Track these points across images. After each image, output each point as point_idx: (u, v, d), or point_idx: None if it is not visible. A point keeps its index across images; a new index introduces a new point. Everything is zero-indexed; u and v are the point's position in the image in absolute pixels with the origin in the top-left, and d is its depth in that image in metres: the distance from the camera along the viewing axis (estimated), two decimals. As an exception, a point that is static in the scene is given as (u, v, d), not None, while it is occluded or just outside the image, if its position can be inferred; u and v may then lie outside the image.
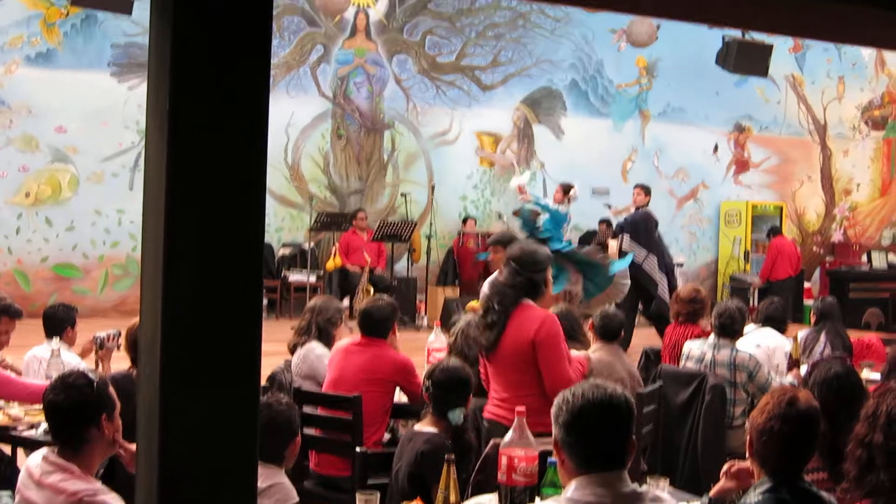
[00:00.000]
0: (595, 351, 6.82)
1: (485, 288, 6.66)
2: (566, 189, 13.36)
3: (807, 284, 19.20)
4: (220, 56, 1.66)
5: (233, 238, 1.67)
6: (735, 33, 12.79)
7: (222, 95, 1.67)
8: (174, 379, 1.63)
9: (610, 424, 3.17)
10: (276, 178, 16.48)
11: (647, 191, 13.94)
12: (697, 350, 7.50)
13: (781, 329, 8.47)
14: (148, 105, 1.72)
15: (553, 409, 3.27)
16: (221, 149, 1.67)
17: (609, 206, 18.13)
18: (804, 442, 3.58)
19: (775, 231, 18.52)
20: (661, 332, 11.40)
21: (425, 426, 4.87)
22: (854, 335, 9.70)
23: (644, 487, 3.30)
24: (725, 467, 4.09)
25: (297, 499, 4.26)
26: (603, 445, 3.16)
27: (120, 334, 6.47)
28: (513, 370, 5.44)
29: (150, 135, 1.71)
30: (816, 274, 21.15)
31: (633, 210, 13.96)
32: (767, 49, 13.41)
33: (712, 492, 4.04)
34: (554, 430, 3.24)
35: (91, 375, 3.90)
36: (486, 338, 5.51)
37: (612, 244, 13.25)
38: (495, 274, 6.61)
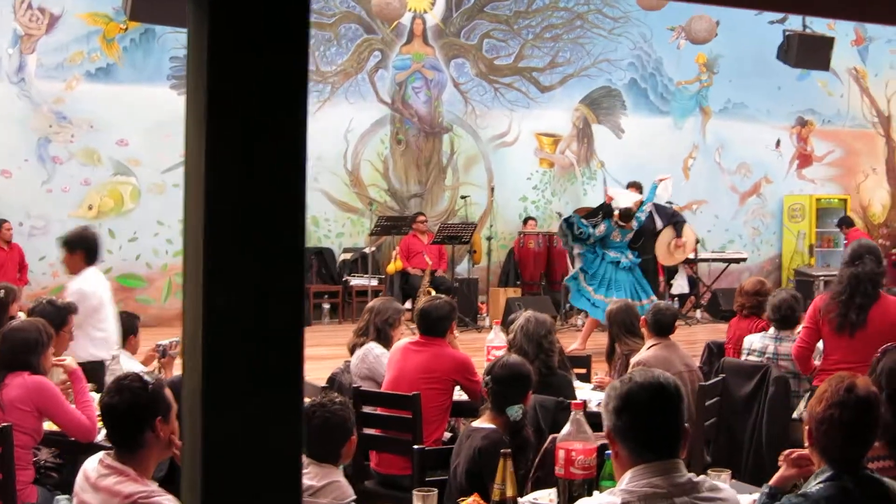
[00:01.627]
0: (650, 347, 6.78)
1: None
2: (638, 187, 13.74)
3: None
4: (258, 57, 1.67)
5: (273, 240, 1.68)
6: (796, 27, 12.71)
7: (260, 99, 1.69)
8: (216, 379, 1.65)
9: (659, 407, 3.14)
10: (335, 183, 16.58)
11: (639, 187, 14.26)
12: (759, 343, 7.44)
13: None
14: (187, 111, 1.74)
15: (603, 400, 3.27)
16: (260, 152, 1.68)
17: (671, 203, 18.01)
18: (865, 428, 3.53)
19: (848, 223, 18.34)
20: None
21: (484, 422, 4.85)
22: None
23: (701, 477, 3.26)
24: (784, 455, 4.04)
25: (353, 496, 4.28)
26: (655, 429, 3.13)
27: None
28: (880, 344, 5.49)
29: (188, 141, 1.73)
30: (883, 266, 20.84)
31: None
32: (829, 42, 13.31)
33: (773, 480, 3.98)
34: (605, 420, 3.22)
35: (146, 378, 3.92)
36: (853, 316, 6.57)
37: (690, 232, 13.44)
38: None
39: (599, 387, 6.78)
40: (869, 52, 21.29)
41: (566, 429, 4.12)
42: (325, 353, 10.33)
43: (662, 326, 6.85)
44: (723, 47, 19.49)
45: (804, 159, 20.92)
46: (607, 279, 12.77)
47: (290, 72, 1.68)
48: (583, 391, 6.63)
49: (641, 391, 3.14)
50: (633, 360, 6.53)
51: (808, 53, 13.15)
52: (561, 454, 4.04)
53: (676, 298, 16.95)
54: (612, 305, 7.65)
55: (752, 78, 19.51)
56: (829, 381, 3.64)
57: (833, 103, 21.07)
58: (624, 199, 13.40)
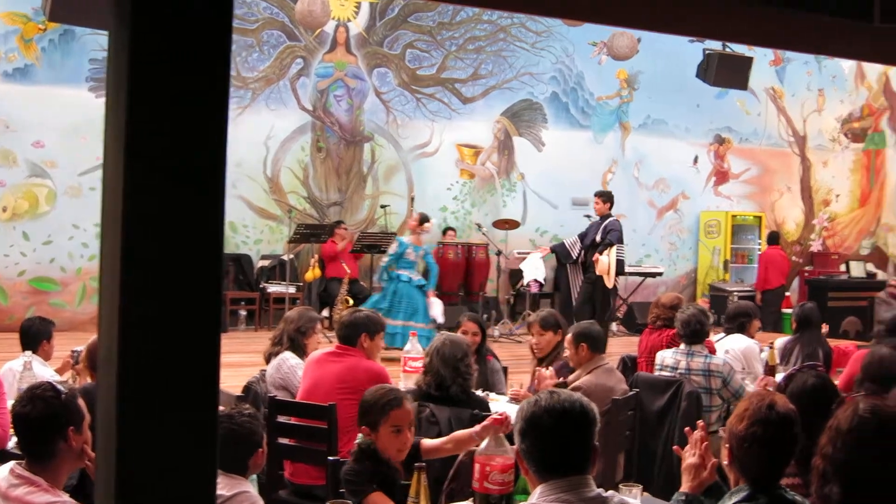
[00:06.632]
0: (590, 370, 6.82)
1: None
2: (422, 220, 13.49)
3: (787, 293, 19.27)
4: (179, 63, 1.65)
5: (191, 250, 1.66)
6: (716, 46, 12.86)
7: (181, 105, 1.67)
8: (131, 392, 1.62)
9: (563, 430, 3.16)
10: (255, 190, 16.48)
11: (605, 198, 13.94)
12: (671, 359, 7.52)
13: (745, 326, 8.52)
14: (107, 115, 1.72)
15: (514, 420, 3.28)
16: (180, 160, 1.66)
17: (589, 217, 18.13)
18: (785, 445, 3.56)
19: (772, 240, 18.65)
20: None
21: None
22: (832, 343, 9.74)
23: (610, 492, 3.29)
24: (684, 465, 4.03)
25: (264, 506, 4.25)
26: (559, 452, 3.15)
27: (96, 349, 6.42)
28: None
29: (107, 145, 1.70)
30: (795, 283, 21.26)
31: (597, 219, 13.95)
32: (748, 62, 13.49)
33: (687, 486, 3.98)
34: (515, 439, 3.25)
35: (60, 387, 3.87)
36: None
37: (604, 259, 13.26)
38: None
39: (515, 399, 6.79)
40: (786, 72, 21.67)
41: (485, 443, 4.14)
42: (241, 361, 10.26)
43: (600, 343, 6.89)
44: (644, 64, 19.71)
45: (721, 176, 21.21)
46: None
47: (212, 77, 1.66)
48: (498, 403, 6.65)
49: (545, 415, 3.16)
50: (571, 386, 6.52)
51: (726, 72, 13.31)
52: (477, 468, 4.05)
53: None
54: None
55: (672, 95, 19.76)
56: (749, 400, 3.68)
57: (750, 122, 21.40)
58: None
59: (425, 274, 13.33)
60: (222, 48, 1.67)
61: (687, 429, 4.19)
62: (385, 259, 13.25)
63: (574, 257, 13.95)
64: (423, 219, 13.42)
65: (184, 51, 1.61)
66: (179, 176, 1.60)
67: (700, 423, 4.13)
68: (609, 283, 13.34)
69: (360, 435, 4.66)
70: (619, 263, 13.36)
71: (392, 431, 4.59)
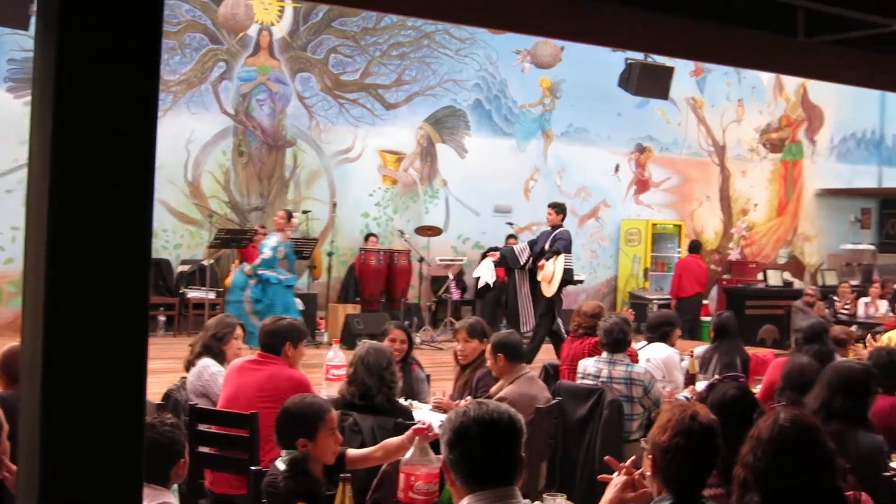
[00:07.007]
0: (513, 380, 6.81)
1: None
2: (289, 216, 13.91)
3: (705, 302, 19.48)
4: (107, 68, 1.61)
5: (118, 257, 1.61)
6: (638, 56, 12.95)
7: (109, 109, 1.62)
8: (55, 401, 1.57)
9: (491, 441, 3.15)
10: (175, 194, 16.31)
11: (558, 209, 14.00)
12: (593, 367, 7.54)
13: (668, 335, 8.58)
14: (32, 118, 1.67)
15: (441, 430, 3.26)
16: (107, 164, 1.62)
17: (511, 224, 18.20)
18: (708, 456, 3.57)
19: (693, 248, 18.83)
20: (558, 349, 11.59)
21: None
22: (749, 351, 9.85)
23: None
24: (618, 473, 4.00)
25: (186, 517, 4.19)
26: (486, 463, 3.13)
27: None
28: None
29: (33, 147, 1.65)
30: (714, 291, 21.51)
31: (548, 229, 13.97)
32: (668, 72, 13.60)
33: (606, 501, 3.95)
34: (441, 450, 3.22)
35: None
36: None
37: (549, 266, 13.32)
38: None
39: (438, 407, 6.77)
40: (707, 82, 21.94)
41: (410, 453, 4.11)
42: (161, 367, 10.12)
43: (518, 353, 6.88)
44: (566, 72, 19.85)
45: (641, 185, 21.40)
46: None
47: (141, 77, 1.62)
48: (421, 412, 6.62)
49: (473, 425, 3.14)
50: (496, 396, 6.50)
51: (648, 82, 13.40)
52: (402, 478, 4.03)
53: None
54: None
55: (594, 103, 19.89)
56: (671, 411, 3.68)
57: (671, 131, 21.63)
58: None
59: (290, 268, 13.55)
60: (152, 48, 1.64)
61: (608, 458, 4.15)
62: (263, 258, 13.27)
63: (521, 263, 13.98)
64: (290, 215, 13.85)
65: (112, 51, 1.57)
66: (108, 175, 1.56)
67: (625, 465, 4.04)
68: (547, 291, 13.39)
69: (284, 451, 4.61)
70: (567, 272, 13.42)
71: (330, 434, 4.58)
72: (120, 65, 1.63)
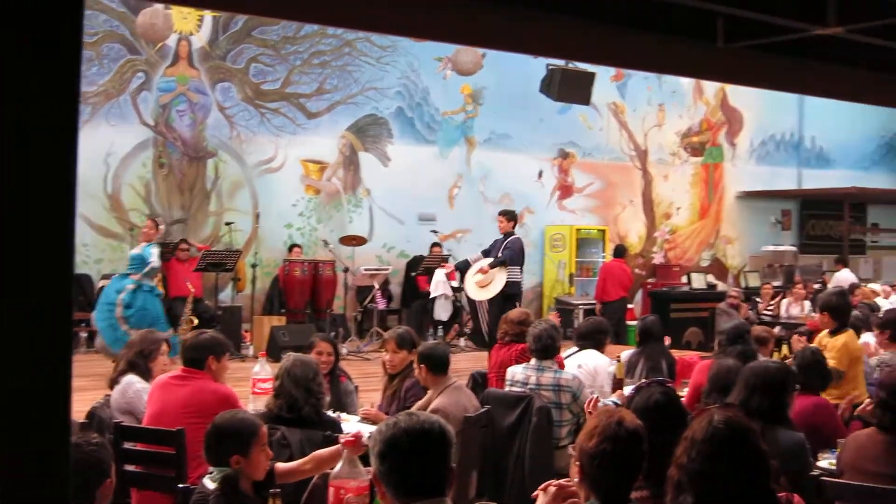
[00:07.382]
0: (441, 391, 6.78)
1: None
2: (157, 224, 13.87)
3: (630, 306, 19.61)
4: (26, 81, 1.56)
5: (40, 269, 1.56)
6: (559, 62, 13.01)
7: (28, 120, 1.57)
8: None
9: (422, 452, 3.12)
10: (94, 208, 16.09)
11: (508, 216, 14.03)
12: (521, 374, 7.54)
13: (601, 343, 8.62)
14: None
15: (370, 442, 3.23)
16: (27, 173, 1.56)
17: (435, 232, 18.21)
18: (635, 460, 3.60)
19: (618, 252, 18.95)
20: None
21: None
22: (675, 354, 9.93)
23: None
24: (542, 487, 3.98)
25: (110, 537, 4.10)
26: (417, 475, 3.11)
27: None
28: None
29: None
30: (639, 295, 21.69)
31: (500, 237, 13.96)
32: (590, 77, 13.70)
33: None
34: (371, 462, 3.19)
35: None
36: None
37: (492, 273, 13.32)
38: None
39: (366, 418, 6.73)
40: (628, 87, 22.12)
41: (339, 466, 4.08)
42: (83, 385, 9.96)
43: (442, 365, 6.84)
44: (488, 79, 19.92)
45: (565, 190, 21.52)
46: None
47: (61, 90, 1.58)
48: (349, 423, 6.58)
49: (404, 436, 3.11)
50: (430, 407, 6.45)
51: (569, 88, 13.49)
52: (332, 492, 3.98)
53: (440, 326, 17.12)
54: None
55: (516, 110, 19.97)
56: (598, 417, 3.69)
57: (593, 136, 21.77)
58: None
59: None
60: (73, 48, 1.60)
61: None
62: (153, 266, 13.11)
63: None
64: (157, 223, 13.79)
65: (33, 60, 1.53)
66: (26, 185, 1.52)
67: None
68: (474, 294, 13.46)
69: (215, 469, 4.53)
70: (512, 285, 13.43)
71: (262, 449, 4.53)
72: (40, 77, 1.58)
